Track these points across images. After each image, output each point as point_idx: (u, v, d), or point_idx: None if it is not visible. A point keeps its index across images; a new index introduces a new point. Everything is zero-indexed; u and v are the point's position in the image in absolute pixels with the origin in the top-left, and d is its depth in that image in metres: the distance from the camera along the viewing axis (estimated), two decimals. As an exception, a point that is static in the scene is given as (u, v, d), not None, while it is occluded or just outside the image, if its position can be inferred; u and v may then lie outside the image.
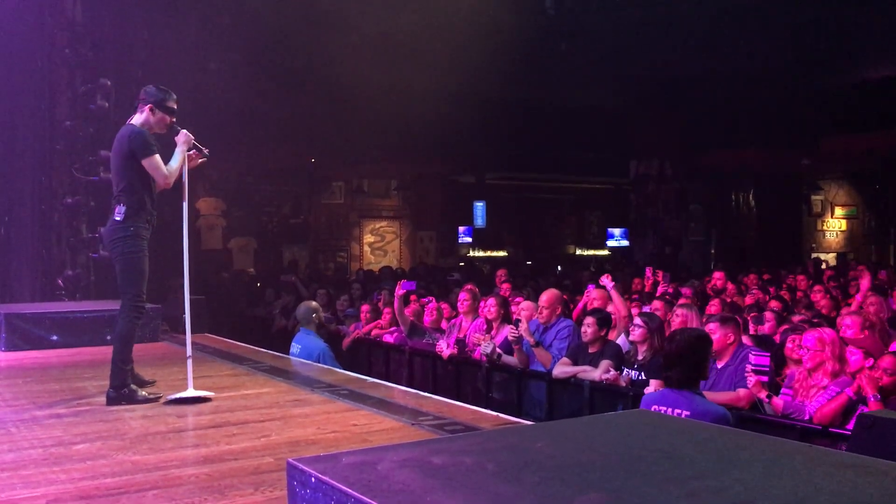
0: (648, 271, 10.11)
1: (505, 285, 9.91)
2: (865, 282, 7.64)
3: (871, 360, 4.81)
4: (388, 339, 8.27)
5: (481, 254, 21.27)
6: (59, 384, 5.40)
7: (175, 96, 4.97)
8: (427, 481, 2.05)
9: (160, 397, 4.79)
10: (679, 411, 3.89)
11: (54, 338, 7.13)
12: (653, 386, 5.00)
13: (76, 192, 9.01)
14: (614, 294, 6.80)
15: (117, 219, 4.71)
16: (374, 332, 8.49)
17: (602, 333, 6.08)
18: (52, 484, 3.21)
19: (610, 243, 22.10)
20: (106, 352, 4.95)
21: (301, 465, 2.18)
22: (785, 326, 6.32)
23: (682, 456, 2.30)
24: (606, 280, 6.99)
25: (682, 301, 7.20)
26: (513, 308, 7.43)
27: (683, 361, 4.03)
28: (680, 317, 6.16)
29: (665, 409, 3.95)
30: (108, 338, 4.90)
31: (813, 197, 22.02)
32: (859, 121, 16.04)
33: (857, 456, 2.39)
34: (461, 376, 7.14)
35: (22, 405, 4.71)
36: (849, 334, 5.50)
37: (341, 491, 1.98)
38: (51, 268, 9.09)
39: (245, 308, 12.71)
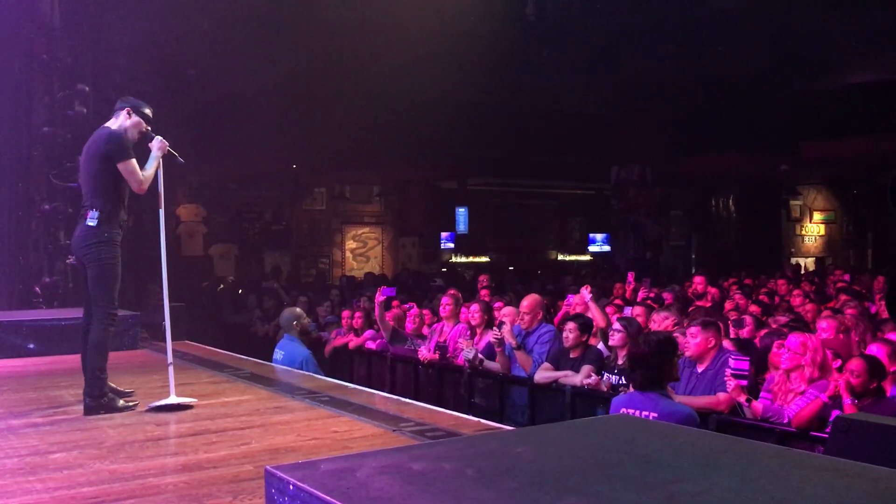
0: (630, 276, 10.16)
1: (484, 291, 9.92)
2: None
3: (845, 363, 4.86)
4: (371, 345, 8.25)
5: (463, 259, 21.28)
6: (35, 393, 5.35)
7: (151, 108, 4.97)
8: (406, 488, 2.05)
9: (137, 405, 4.74)
10: (647, 413, 3.95)
11: (31, 346, 7.05)
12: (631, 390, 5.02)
13: (54, 199, 8.93)
14: (592, 305, 6.80)
15: (90, 224, 4.65)
16: (351, 344, 8.45)
17: (583, 339, 6.10)
18: (28, 494, 3.17)
19: (592, 248, 22.18)
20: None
21: (279, 473, 2.16)
22: (764, 331, 6.36)
23: (660, 460, 2.31)
24: (585, 292, 7.00)
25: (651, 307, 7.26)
26: (494, 314, 7.44)
27: (646, 364, 4.12)
28: (657, 320, 6.21)
29: (633, 411, 4.02)
30: (88, 345, 4.82)
31: (792, 202, 22.24)
32: (838, 127, 16.22)
33: (834, 459, 2.41)
34: (443, 382, 7.14)
35: (-2, 414, 4.65)
36: (824, 337, 5.55)
37: (319, 498, 1.97)
38: (28, 275, 8.99)
39: (227, 315, 12.63)
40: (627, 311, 7.72)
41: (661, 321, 6.14)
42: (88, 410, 4.61)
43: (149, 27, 9.92)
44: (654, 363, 4.13)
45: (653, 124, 16.67)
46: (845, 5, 11.97)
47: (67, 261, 8.81)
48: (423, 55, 11.92)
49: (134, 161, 4.69)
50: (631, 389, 4.87)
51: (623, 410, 4.14)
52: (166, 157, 4.91)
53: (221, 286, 14.64)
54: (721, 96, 15.31)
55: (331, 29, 11.87)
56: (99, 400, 4.62)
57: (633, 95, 15.92)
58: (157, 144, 4.87)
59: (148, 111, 4.94)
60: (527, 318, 6.68)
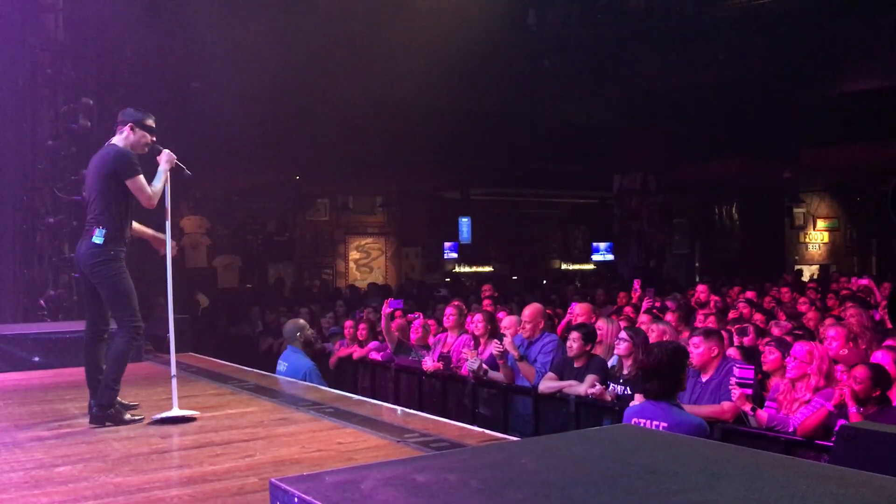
0: (637, 283, 10.15)
1: (486, 301, 9.92)
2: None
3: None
4: (375, 356, 8.25)
5: (467, 269, 21.28)
6: (40, 406, 5.35)
7: (153, 116, 4.96)
8: (410, 499, 2.05)
9: (143, 418, 4.75)
10: (658, 423, 3.94)
11: (36, 359, 7.05)
12: (637, 400, 5.01)
13: (58, 212, 8.95)
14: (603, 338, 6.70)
15: (96, 241, 4.66)
16: (355, 355, 8.46)
17: (587, 348, 6.09)
18: (32, 507, 3.17)
19: (595, 257, 22.17)
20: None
21: (284, 485, 2.17)
22: (766, 339, 6.35)
23: (665, 471, 2.31)
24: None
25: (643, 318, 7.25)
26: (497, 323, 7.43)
27: (660, 374, 4.10)
28: (656, 332, 6.20)
29: (645, 421, 4.01)
30: (109, 355, 4.82)
31: (795, 209, 22.19)
32: (840, 133, 16.22)
33: (839, 468, 2.40)
34: (447, 392, 7.13)
35: (3, 427, 4.66)
36: (833, 346, 5.54)
37: (324, 511, 1.97)
38: (32, 288, 9.00)
39: (229, 327, 12.62)
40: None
41: (659, 334, 6.13)
42: (95, 419, 4.62)
43: (153, 40, 9.96)
44: (669, 373, 4.12)
45: (654, 132, 16.69)
46: (847, 12, 12.00)
47: (73, 274, 8.83)
48: (424, 65, 11.96)
49: (142, 177, 4.70)
50: (638, 399, 4.87)
51: (634, 421, 4.13)
52: (173, 170, 4.92)
53: (203, 305, 14.40)
54: (722, 104, 15.32)
55: (333, 40, 11.92)
56: (106, 410, 4.64)
57: (634, 104, 15.94)
58: (165, 157, 4.87)
59: (150, 122, 4.91)
60: (528, 327, 6.67)
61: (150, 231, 5.12)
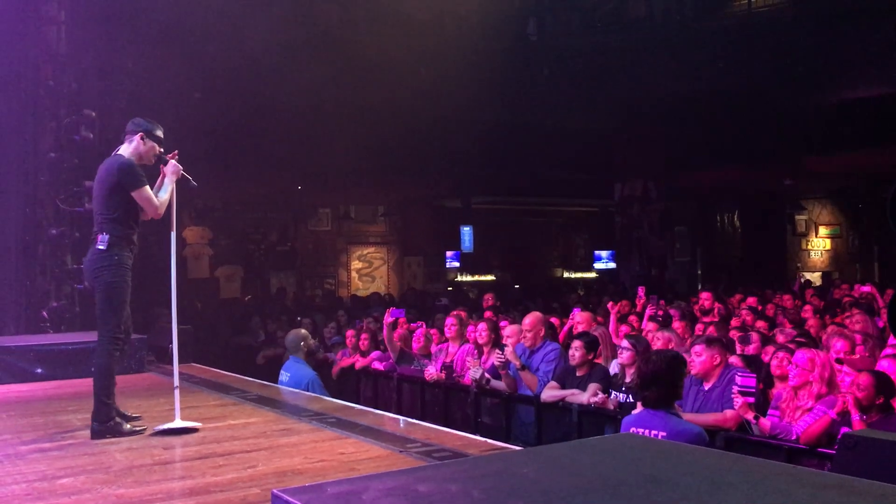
0: (641, 291, 10.13)
1: (487, 313, 9.91)
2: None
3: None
4: (378, 366, 8.25)
5: (469, 278, 21.27)
6: (43, 417, 5.35)
7: (161, 127, 4.98)
8: (412, 510, 2.05)
9: (145, 430, 4.75)
10: (656, 432, 3.94)
11: (39, 370, 7.05)
12: (639, 409, 5.00)
13: (61, 224, 8.96)
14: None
15: (101, 248, 4.66)
16: (358, 364, 8.46)
17: (590, 357, 6.09)
18: (35, 520, 3.17)
19: (597, 266, 22.15)
20: (91, 384, 4.89)
21: (286, 496, 2.17)
22: (770, 347, 6.34)
23: (666, 479, 2.30)
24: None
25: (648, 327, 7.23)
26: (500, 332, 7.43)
27: (658, 382, 4.10)
28: (661, 340, 6.20)
29: (643, 430, 4.00)
30: (93, 370, 4.83)
31: (797, 216, 22.18)
32: (841, 140, 16.23)
33: (840, 476, 2.40)
34: (450, 402, 7.13)
35: (5, 439, 4.65)
36: (841, 356, 5.52)
37: (326, 522, 1.97)
38: (35, 299, 9.00)
39: (231, 337, 12.61)
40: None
41: (665, 341, 6.13)
42: (95, 435, 4.61)
43: (153, 52, 10.01)
44: (665, 381, 4.13)
45: (655, 140, 16.70)
46: (847, 19, 12.03)
47: (76, 285, 8.83)
48: (425, 75, 12.00)
49: (147, 188, 4.71)
50: (639, 408, 4.86)
51: (632, 430, 4.12)
52: (179, 181, 4.93)
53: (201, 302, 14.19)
54: (723, 111, 15.34)
55: (334, 51, 11.97)
56: (105, 424, 4.63)
57: (634, 112, 15.97)
58: (172, 168, 4.87)
59: (160, 132, 4.93)
60: (529, 336, 6.66)
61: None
